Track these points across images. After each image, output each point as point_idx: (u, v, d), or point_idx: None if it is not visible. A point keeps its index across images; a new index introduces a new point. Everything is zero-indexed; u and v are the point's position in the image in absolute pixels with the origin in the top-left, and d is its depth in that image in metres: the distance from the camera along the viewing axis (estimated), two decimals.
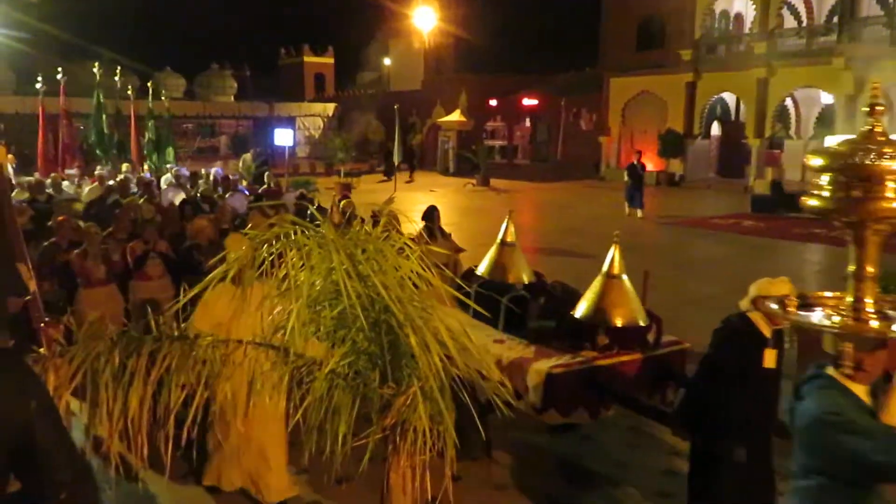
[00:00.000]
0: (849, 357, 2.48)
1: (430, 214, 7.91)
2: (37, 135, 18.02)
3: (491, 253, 5.72)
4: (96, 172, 13.89)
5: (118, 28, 50.68)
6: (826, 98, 26.21)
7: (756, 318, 3.75)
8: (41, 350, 2.50)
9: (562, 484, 5.15)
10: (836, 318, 2.53)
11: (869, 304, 2.49)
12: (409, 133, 35.84)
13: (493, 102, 36.98)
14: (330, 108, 44.47)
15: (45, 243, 7.06)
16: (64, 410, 2.24)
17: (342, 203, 7.14)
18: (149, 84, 20.60)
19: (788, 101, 27.55)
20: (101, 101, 19.02)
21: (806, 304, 2.74)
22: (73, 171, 14.90)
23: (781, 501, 3.52)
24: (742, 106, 29.08)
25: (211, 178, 13.66)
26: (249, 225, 5.92)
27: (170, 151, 19.32)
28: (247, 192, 12.28)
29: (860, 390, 2.52)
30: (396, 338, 2.49)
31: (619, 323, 4.65)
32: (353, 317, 2.38)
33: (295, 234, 2.27)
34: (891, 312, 2.56)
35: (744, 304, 3.86)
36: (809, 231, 17.33)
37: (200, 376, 2.28)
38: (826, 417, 2.45)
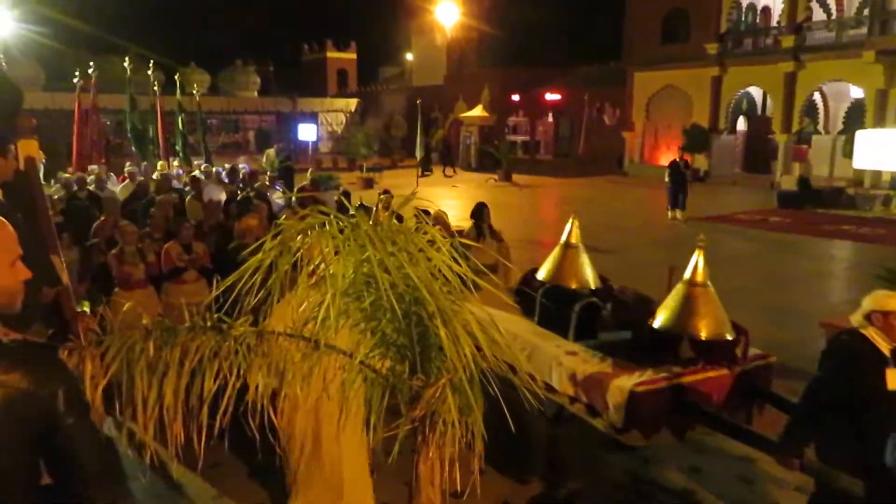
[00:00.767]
0: None
1: (480, 212, 7.55)
2: (65, 131, 18.30)
3: (553, 255, 5.37)
4: (126, 170, 13.71)
5: (143, 24, 51.27)
6: (856, 92, 25.77)
7: (872, 334, 3.44)
8: (76, 340, 2.53)
9: (620, 495, 4.84)
10: None
11: None
12: (430, 128, 35.84)
13: (516, 97, 36.86)
14: (352, 103, 44.63)
15: (88, 243, 6.94)
16: (99, 400, 2.28)
17: (383, 198, 7.03)
18: (177, 78, 20.81)
19: (817, 96, 27.13)
20: (134, 97, 19.24)
21: None
22: (95, 168, 14.85)
23: None
24: (769, 100, 28.70)
25: (241, 174, 13.56)
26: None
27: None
28: (282, 190, 11.96)
29: None
30: (426, 329, 2.50)
31: (704, 335, 4.30)
32: (384, 308, 2.39)
33: (329, 224, 2.29)
34: None
35: (856, 319, 3.55)
36: (838, 227, 17.12)
37: (233, 367, 2.30)
38: None
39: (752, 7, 29.97)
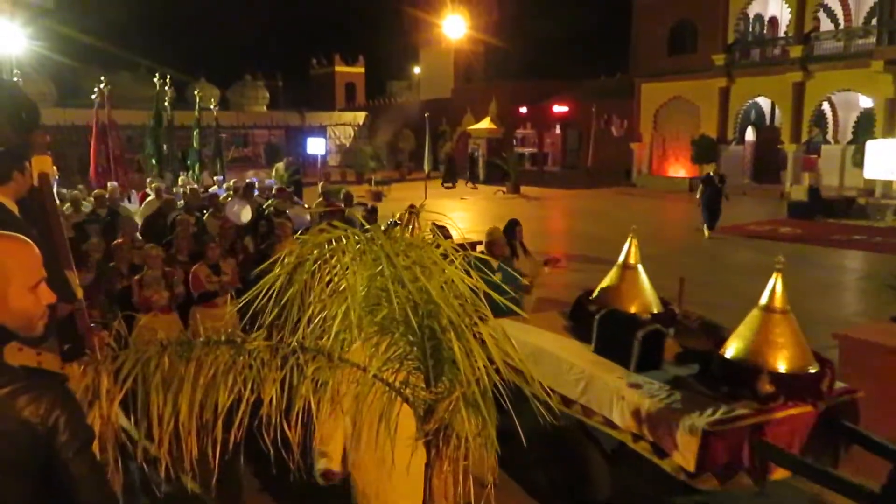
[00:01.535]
0: None
1: (511, 229, 7.21)
2: (76, 147, 18.42)
3: (610, 277, 5.03)
4: (152, 185, 13.55)
5: (153, 40, 51.83)
6: (865, 101, 25.71)
7: None
8: (92, 354, 2.54)
9: None
10: None
11: None
12: (438, 141, 35.96)
13: (523, 109, 36.97)
14: (360, 116, 44.91)
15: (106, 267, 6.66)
16: (114, 415, 2.28)
17: (409, 213, 6.95)
18: (196, 94, 21.04)
19: (825, 105, 27.08)
20: (161, 112, 19.37)
21: None
22: (115, 184, 14.67)
23: None
24: (777, 111, 28.65)
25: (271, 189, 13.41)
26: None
27: (197, 164, 19.64)
28: (304, 204, 11.81)
29: None
30: (439, 343, 2.49)
31: (785, 367, 3.88)
32: (397, 322, 2.39)
33: (346, 239, 2.30)
34: None
35: None
36: (849, 237, 17.00)
37: (247, 381, 2.30)
38: None
39: (759, 17, 30.02)
